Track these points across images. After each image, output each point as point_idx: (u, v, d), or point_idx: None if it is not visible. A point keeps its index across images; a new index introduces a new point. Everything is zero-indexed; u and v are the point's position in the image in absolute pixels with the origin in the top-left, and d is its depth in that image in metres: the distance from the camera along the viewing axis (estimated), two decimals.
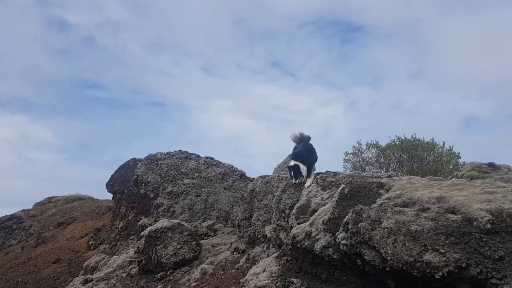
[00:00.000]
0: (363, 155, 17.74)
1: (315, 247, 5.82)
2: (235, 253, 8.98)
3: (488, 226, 4.44)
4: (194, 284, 8.07)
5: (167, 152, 13.66)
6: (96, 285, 9.67)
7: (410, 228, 4.68)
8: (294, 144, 8.81)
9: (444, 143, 16.95)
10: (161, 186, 12.57)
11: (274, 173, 14.55)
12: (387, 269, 4.83)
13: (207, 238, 10.68)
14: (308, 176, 7.98)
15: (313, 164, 8.34)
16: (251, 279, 6.59)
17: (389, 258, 4.70)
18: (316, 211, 6.58)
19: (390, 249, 4.71)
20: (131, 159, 15.97)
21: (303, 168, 7.83)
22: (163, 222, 9.89)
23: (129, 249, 11.76)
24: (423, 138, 17.08)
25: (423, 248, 4.48)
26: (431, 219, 4.72)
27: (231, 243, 9.52)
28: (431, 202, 4.96)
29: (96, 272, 11.16)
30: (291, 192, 7.90)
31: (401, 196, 5.30)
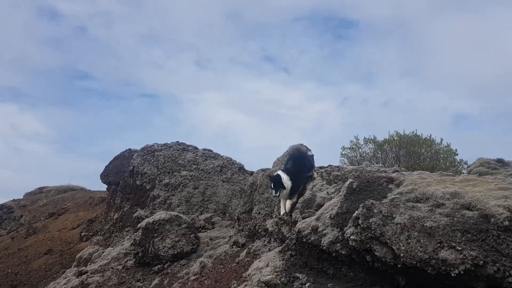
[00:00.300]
0: (360, 150, 17.67)
1: (322, 242, 5.67)
2: (234, 246, 8.83)
3: (506, 223, 4.31)
4: (193, 277, 7.90)
5: (164, 144, 13.43)
6: (91, 277, 9.47)
7: (425, 224, 4.54)
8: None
9: (442, 139, 16.94)
10: (158, 178, 12.36)
11: (273, 166, 14.39)
12: (399, 266, 4.70)
13: (205, 231, 10.50)
14: (290, 196, 7.28)
15: (297, 188, 7.38)
16: (254, 274, 6.44)
17: (401, 254, 4.57)
18: (322, 205, 6.44)
19: (403, 246, 4.57)
20: (126, 150, 15.71)
21: (287, 182, 7.14)
22: (161, 214, 9.70)
23: (124, 241, 11.56)
24: (422, 134, 17.05)
25: (438, 245, 4.35)
26: (446, 215, 4.59)
27: (230, 237, 9.36)
28: (446, 198, 4.82)
29: (90, 264, 10.94)
30: None
31: (413, 191, 5.16)
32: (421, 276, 4.70)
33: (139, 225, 9.85)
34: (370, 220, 4.95)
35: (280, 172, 7.32)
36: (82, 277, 9.50)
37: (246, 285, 6.40)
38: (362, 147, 17.60)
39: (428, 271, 4.38)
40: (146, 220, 9.78)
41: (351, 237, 5.18)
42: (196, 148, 13.22)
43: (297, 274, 5.91)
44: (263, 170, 9.40)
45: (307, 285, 5.62)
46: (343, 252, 5.43)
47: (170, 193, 11.98)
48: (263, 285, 5.98)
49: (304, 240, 5.98)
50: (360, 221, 5.10)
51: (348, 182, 6.07)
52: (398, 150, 16.64)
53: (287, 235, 7.33)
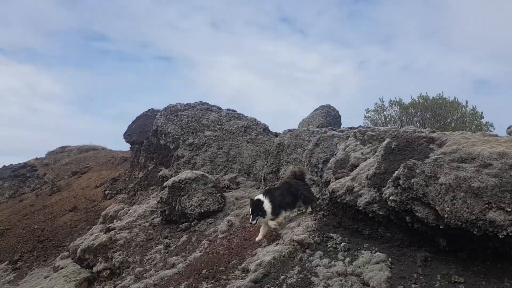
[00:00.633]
0: (384, 112, 17.33)
1: (357, 202, 5.56)
2: None
3: None
4: (221, 235, 7.94)
5: (187, 103, 13.30)
6: (119, 233, 9.60)
7: (472, 184, 4.37)
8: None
9: (467, 102, 16.48)
10: (182, 138, 12.31)
11: (299, 127, 14.25)
12: (441, 227, 4.57)
13: (230, 191, 10.51)
14: (275, 214, 6.42)
15: (284, 210, 6.56)
16: (286, 233, 6.40)
17: (445, 215, 4.43)
18: (356, 166, 6.29)
19: (448, 206, 4.43)
20: (149, 110, 15.66)
21: (268, 207, 6.31)
22: (187, 173, 9.70)
23: (149, 199, 11.67)
24: (448, 97, 16.60)
25: (486, 206, 4.20)
26: (494, 176, 4.40)
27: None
28: (493, 158, 4.63)
29: (116, 221, 11.09)
30: (324, 146, 7.60)
31: (457, 151, 4.97)
32: (464, 238, 4.59)
33: (166, 183, 9.87)
34: (412, 181, 4.80)
35: (261, 198, 6.43)
36: (110, 233, 9.64)
37: (277, 243, 6.39)
38: (387, 109, 17.26)
39: (474, 232, 4.25)
40: (173, 178, 9.79)
41: (390, 197, 5.06)
42: (219, 108, 13.08)
43: (331, 234, 5.85)
44: (290, 130, 9.26)
45: (341, 245, 5.56)
46: (380, 213, 5.32)
47: (194, 153, 11.95)
48: (296, 244, 5.95)
49: (338, 200, 5.88)
50: (400, 182, 4.95)
51: (386, 142, 5.89)
52: (424, 113, 16.26)
53: (317, 196, 7.26)
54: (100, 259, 9.15)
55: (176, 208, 9.35)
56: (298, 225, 6.46)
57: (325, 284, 4.91)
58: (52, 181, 21.85)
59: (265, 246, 6.60)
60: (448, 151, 5.05)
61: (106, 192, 16.76)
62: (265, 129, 12.32)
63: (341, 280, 4.91)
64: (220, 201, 9.36)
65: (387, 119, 17.06)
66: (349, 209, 5.76)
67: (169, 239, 8.88)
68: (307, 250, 5.70)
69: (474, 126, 16.33)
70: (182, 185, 9.40)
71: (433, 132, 6.51)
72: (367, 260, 5.10)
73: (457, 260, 4.75)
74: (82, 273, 10.05)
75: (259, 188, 10.00)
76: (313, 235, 5.98)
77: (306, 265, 5.42)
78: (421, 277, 4.66)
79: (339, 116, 15.69)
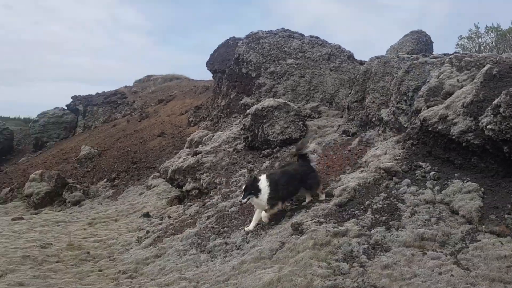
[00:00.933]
0: (479, 39, 15.92)
1: (451, 131, 5.34)
2: (344, 135, 8.76)
3: None
4: None
5: (269, 31, 13.11)
6: (205, 157, 10.12)
7: None
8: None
9: None
10: (263, 66, 12.31)
11: (386, 53, 13.61)
12: None
13: (311, 120, 10.52)
14: (270, 204, 5.72)
15: (282, 202, 5.91)
16: (371, 161, 6.38)
17: None
18: (451, 93, 5.96)
19: None
20: (230, 38, 15.68)
21: (265, 192, 5.65)
22: (269, 101, 9.80)
23: (232, 126, 12.04)
24: None
25: None
26: None
27: (339, 126, 9.27)
28: None
29: (201, 146, 11.66)
30: (415, 74, 7.24)
31: None
32: None
33: (248, 111, 10.09)
34: None
35: (260, 177, 5.84)
36: (197, 156, 10.20)
37: (362, 170, 6.41)
38: (482, 36, 15.80)
39: None
40: (255, 106, 9.97)
41: (488, 126, 4.79)
42: (302, 35, 12.75)
43: (420, 163, 5.74)
44: (377, 57, 8.88)
45: (431, 173, 5.45)
46: (475, 142, 5.09)
47: (275, 81, 11.96)
48: (382, 171, 5.93)
49: (429, 129, 5.68)
50: (501, 110, 4.65)
51: (486, 68, 5.48)
52: None
53: (405, 125, 7.06)
54: (189, 179, 9.79)
55: (259, 135, 9.60)
56: (385, 153, 6.39)
57: (412, 210, 4.91)
58: (140, 108, 23.21)
59: (349, 173, 6.66)
60: None
61: (190, 119, 17.53)
62: (350, 56, 11.90)
63: (429, 208, 4.88)
64: (302, 129, 9.43)
65: (482, 47, 15.66)
66: (441, 138, 5.56)
67: (252, 164, 9.23)
68: (393, 178, 5.67)
69: None
70: (265, 113, 9.56)
71: None
72: (457, 189, 4.98)
73: None
74: (172, 191, 10.86)
75: (341, 117, 9.90)
76: (401, 163, 5.90)
77: (393, 192, 5.42)
78: None
79: (431, 43, 14.64)
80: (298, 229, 5.22)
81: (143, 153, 16.17)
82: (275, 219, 6.02)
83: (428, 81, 6.67)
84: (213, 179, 9.24)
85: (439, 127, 5.51)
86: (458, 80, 6.10)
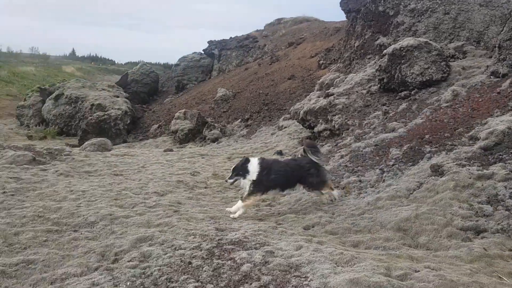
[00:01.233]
0: None
1: None
2: (492, 76, 8.01)
3: None
4: (445, 104, 7.67)
5: None
6: (337, 99, 10.12)
7: None
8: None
9: None
10: (403, 3, 11.56)
11: None
12: None
13: (455, 60, 9.75)
14: (255, 190, 5.15)
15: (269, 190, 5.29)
16: None
17: None
18: None
19: None
20: None
21: (253, 174, 5.12)
22: (409, 40, 9.29)
23: (366, 68, 11.74)
24: None
25: None
26: None
27: (487, 66, 8.48)
28: None
29: (333, 88, 11.63)
30: None
31: None
32: None
33: (385, 51, 9.71)
34: None
35: (252, 159, 5.33)
36: (329, 98, 10.25)
37: None
38: None
39: None
40: (393, 46, 9.55)
41: None
42: None
43: None
44: None
45: None
46: None
47: (415, 19, 11.19)
48: None
49: None
50: None
51: None
52: None
53: None
54: (320, 120, 9.95)
55: (396, 76, 9.25)
56: None
57: None
58: (271, 52, 23.67)
59: (497, 116, 6.16)
60: None
61: (320, 62, 17.44)
62: None
63: None
64: (445, 70, 8.84)
65: None
66: None
67: (387, 106, 9.01)
68: None
69: None
70: (403, 53, 9.13)
71: None
72: None
73: None
74: (303, 132, 11.17)
75: (490, 57, 9.00)
76: None
77: None
78: None
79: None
80: (438, 171, 5.10)
81: (274, 95, 16.69)
82: (412, 160, 5.93)
83: None
84: (346, 120, 9.27)
85: None
86: None
